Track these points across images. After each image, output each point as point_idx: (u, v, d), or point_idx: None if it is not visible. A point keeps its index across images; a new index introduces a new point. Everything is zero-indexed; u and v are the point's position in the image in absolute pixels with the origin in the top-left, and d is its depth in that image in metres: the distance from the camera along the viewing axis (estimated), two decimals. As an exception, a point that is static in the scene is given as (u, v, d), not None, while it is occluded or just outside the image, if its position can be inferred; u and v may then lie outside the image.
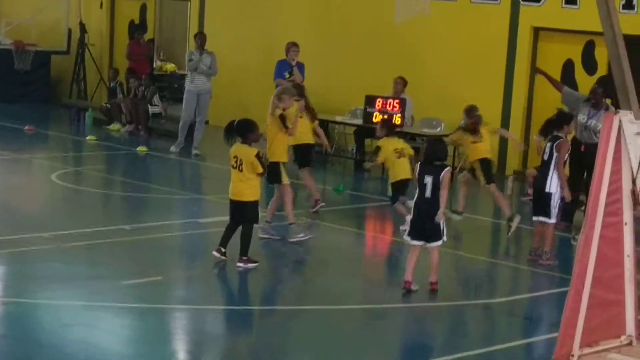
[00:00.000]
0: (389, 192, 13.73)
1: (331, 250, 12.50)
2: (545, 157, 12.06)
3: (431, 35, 18.74)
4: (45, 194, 15.21)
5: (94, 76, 23.97)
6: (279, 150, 12.37)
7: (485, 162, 13.81)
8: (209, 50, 18.86)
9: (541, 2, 17.76)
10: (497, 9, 18.20)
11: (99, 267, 11.08)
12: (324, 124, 19.24)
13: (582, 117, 14.18)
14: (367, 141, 18.25)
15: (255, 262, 11.24)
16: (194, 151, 18.56)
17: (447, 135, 17.88)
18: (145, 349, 8.82)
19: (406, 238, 10.68)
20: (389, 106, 17.57)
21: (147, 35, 23.67)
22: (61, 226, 12.60)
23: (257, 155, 11.07)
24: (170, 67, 24.54)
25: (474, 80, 18.25)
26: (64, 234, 12.16)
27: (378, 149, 13.26)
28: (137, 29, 23.53)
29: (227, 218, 11.38)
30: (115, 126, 21.13)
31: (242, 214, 11.22)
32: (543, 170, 12.11)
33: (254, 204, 11.24)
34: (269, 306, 10.56)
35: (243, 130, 11.17)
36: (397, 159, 13.02)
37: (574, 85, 16.44)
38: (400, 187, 13.15)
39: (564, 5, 17.46)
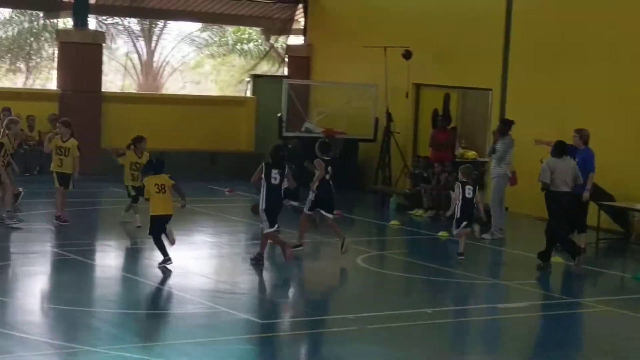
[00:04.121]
0: None
1: (625, 338, 12.44)
2: None
3: None
4: (350, 277, 15.93)
5: (398, 163, 24.80)
6: None
7: None
8: (511, 137, 19.11)
9: None
10: None
11: (399, 349, 11.50)
12: (624, 212, 19.05)
13: None
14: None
15: None
16: (492, 237, 18.82)
17: None
18: None
19: None
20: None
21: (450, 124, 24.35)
22: (365, 308, 13.13)
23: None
24: (471, 154, 25.01)
25: None
26: (367, 316, 12.67)
27: None
28: (440, 117, 24.20)
29: (525, 304, 11.59)
30: (417, 212, 21.82)
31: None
32: None
33: None
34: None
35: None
36: None
37: None
38: None
39: None
